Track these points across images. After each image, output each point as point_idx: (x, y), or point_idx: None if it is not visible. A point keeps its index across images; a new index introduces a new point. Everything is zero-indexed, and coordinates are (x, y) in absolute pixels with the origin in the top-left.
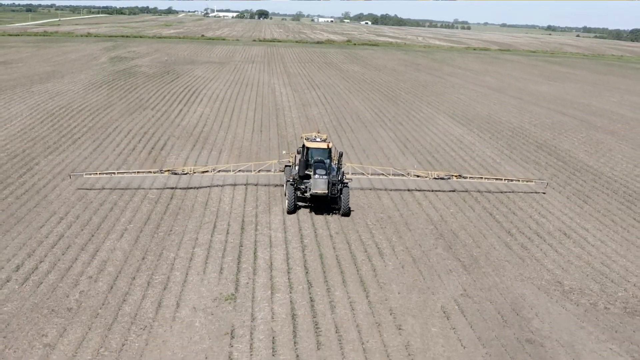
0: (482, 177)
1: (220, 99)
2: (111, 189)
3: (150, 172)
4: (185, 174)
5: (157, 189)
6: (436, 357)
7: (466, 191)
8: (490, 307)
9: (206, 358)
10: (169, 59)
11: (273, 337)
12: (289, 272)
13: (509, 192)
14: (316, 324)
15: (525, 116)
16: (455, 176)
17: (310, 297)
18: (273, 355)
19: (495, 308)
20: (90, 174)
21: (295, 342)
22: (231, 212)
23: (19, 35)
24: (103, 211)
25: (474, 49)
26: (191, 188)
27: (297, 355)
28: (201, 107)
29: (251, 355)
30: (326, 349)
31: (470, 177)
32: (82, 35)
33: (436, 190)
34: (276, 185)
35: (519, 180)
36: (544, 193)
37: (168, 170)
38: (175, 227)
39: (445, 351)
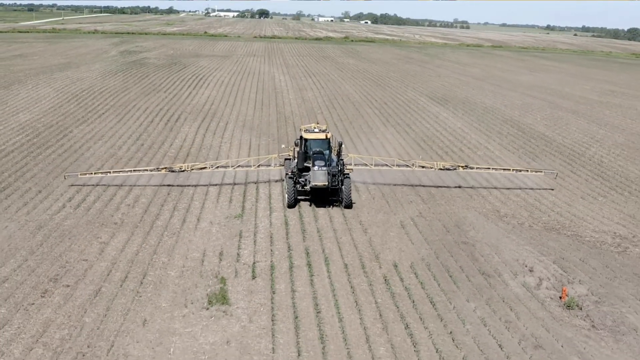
0: (489, 168)
1: (225, 84)
2: (106, 185)
3: (146, 170)
4: (183, 171)
5: (155, 185)
6: (391, 248)
7: (472, 187)
8: (439, 223)
9: (221, 249)
10: (174, 52)
11: (271, 236)
12: (283, 200)
13: (516, 188)
14: (303, 229)
15: (498, 99)
16: (462, 167)
17: (300, 214)
18: (270, 245)
19: (442, 224)
20: (85, 174)
21: (287, 238)
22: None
23: (28, 32)
24: (132, 163)
25: (467, 46)
26: (188, 186)
27: (289, 245)
28: (208, 90)
29: (255, 246)
30: (309, 241)
31: (477, 168)
32: (89, 32)
33: (441, 186)
34: (277, 181)
35: (527, 171)
36: (552, 190)
37: (165, 168)
38: (192, 175)
39: (398, 245)
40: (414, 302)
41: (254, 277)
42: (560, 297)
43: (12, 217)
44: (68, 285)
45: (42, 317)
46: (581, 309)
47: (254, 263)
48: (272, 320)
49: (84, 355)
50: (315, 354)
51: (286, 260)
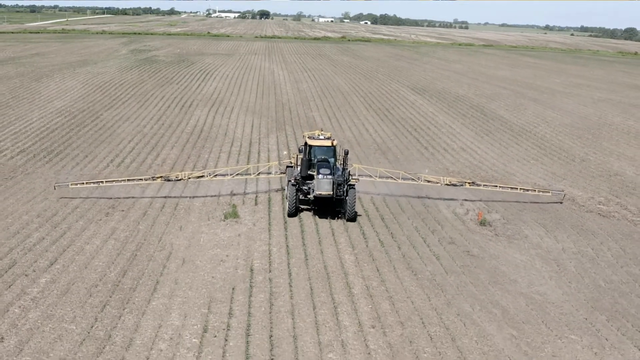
0: (496, 186)
1: (229, 78)
2: (98, 197)
3: (141, 179)
4: (179, 179)
5: (151, 197)
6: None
7: (481, 200)
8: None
9: (232, 189)
10: (181, 51)
11: (269, 182)
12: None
13: (523, 202)
14: None
15: (472, 89)
16: (469, 183)
17: None
18: (269, 186)
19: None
20: (77, 184)
21: (280, 182)
22: (242, 137)
23: (39, 32)
24: (156, 138)
25: (459, 45)
26: (185, 197)
27: (283, 187)
28: (215, 82)
29: (257, 187)
30: None
31: (484, 185)
32: (97, 33)
33: (447, 199)
34: (277, 190)
35: (535, 190)
36: (561, 202)
37: (160, 177)
38: (206, 145)
39: (363, 189)
40: (369, 217)
41: (256, 204)
42: (478, 218)
43: (69, 172)
44: (123, 210)
45: (108, 226)
46: (491, 225)
47: (256, 196)
48: (269, 224)
49: (142, 244)
50: (297, 240)
51: (280, 194)
